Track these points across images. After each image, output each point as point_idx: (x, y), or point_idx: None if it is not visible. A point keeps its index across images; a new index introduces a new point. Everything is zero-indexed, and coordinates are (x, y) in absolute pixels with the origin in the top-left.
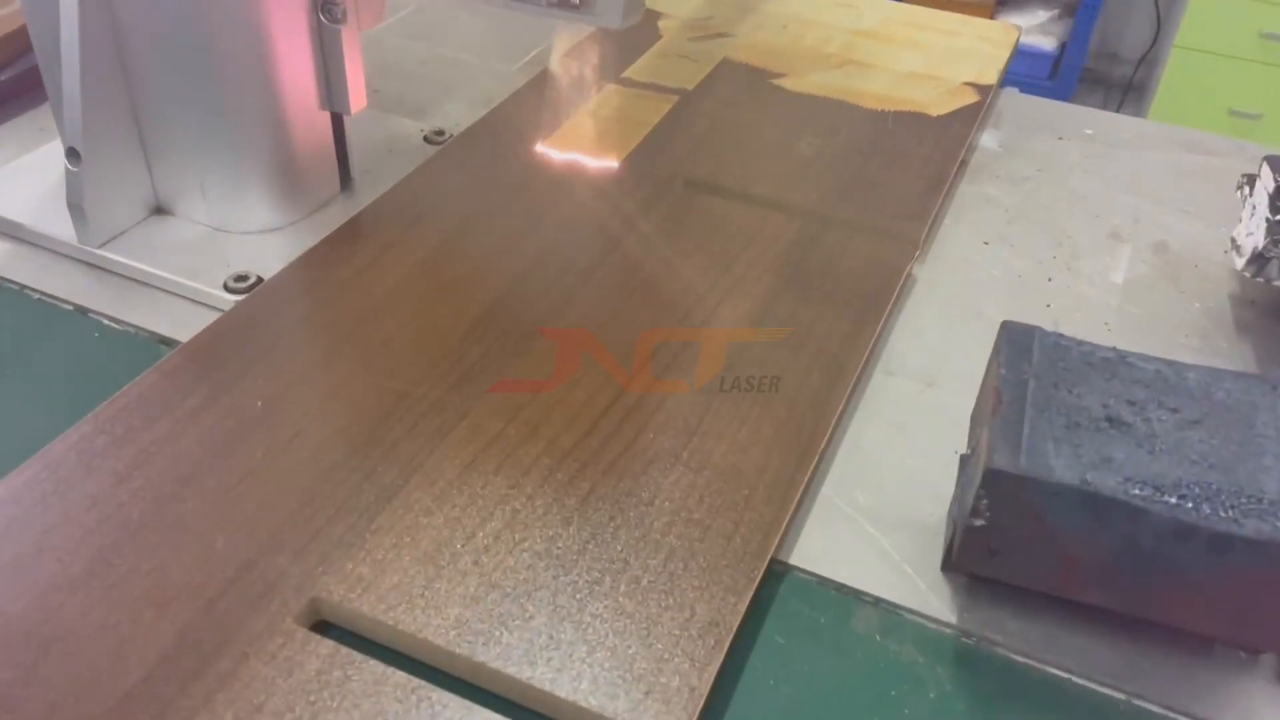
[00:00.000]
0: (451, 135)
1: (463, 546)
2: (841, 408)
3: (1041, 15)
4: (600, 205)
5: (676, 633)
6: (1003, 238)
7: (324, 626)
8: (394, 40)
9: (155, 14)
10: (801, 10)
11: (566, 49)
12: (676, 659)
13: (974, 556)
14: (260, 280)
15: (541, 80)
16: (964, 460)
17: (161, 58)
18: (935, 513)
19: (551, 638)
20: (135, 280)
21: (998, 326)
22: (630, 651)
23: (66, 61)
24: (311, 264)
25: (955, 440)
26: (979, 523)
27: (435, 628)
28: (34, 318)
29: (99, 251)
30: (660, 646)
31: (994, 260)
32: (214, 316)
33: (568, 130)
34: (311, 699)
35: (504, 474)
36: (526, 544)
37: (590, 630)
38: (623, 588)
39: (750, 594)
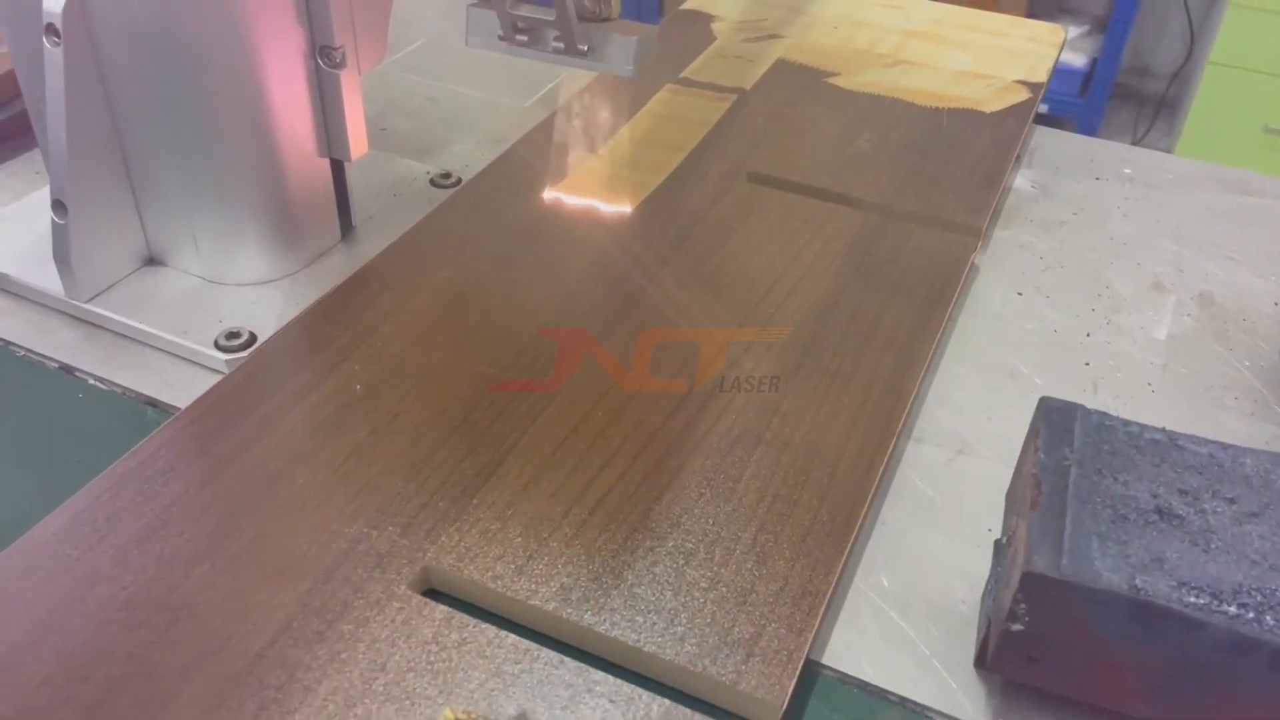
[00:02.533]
0: (458, 177)
1: (562, 519)
2: (915, 392)
3: (1071, 31)
4: (662, 203)
5: (771, 600)
6: (1037, 288)
7: (434, 595)
8: (402, 76)
9: (145, 61)
10: (850, 11)
11: (581, 85)
12: (773, 624)
13: (1011, 662)
14: (253, 337)
15: (555, 119)
16: (999, 547)
17: (152, 105)
18: (968, 599)
19: (653, 604)
20: (124, 336)
21: (1033, 386)
22: (729, 618)
23: (52, 111)
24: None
25: (988, 516)
26: (1016, 627)
27: (542, 594)
28: (17, 376)
29: (87, 306)
30: (757, 613)
31: (1029, 313)
32: (205, 375)
33: (613, 146)
34: (430, 659)
35: (595, 452)
36: (622, 517)
37: (689, 597)
38: (717, 557)
39: (840, 565)
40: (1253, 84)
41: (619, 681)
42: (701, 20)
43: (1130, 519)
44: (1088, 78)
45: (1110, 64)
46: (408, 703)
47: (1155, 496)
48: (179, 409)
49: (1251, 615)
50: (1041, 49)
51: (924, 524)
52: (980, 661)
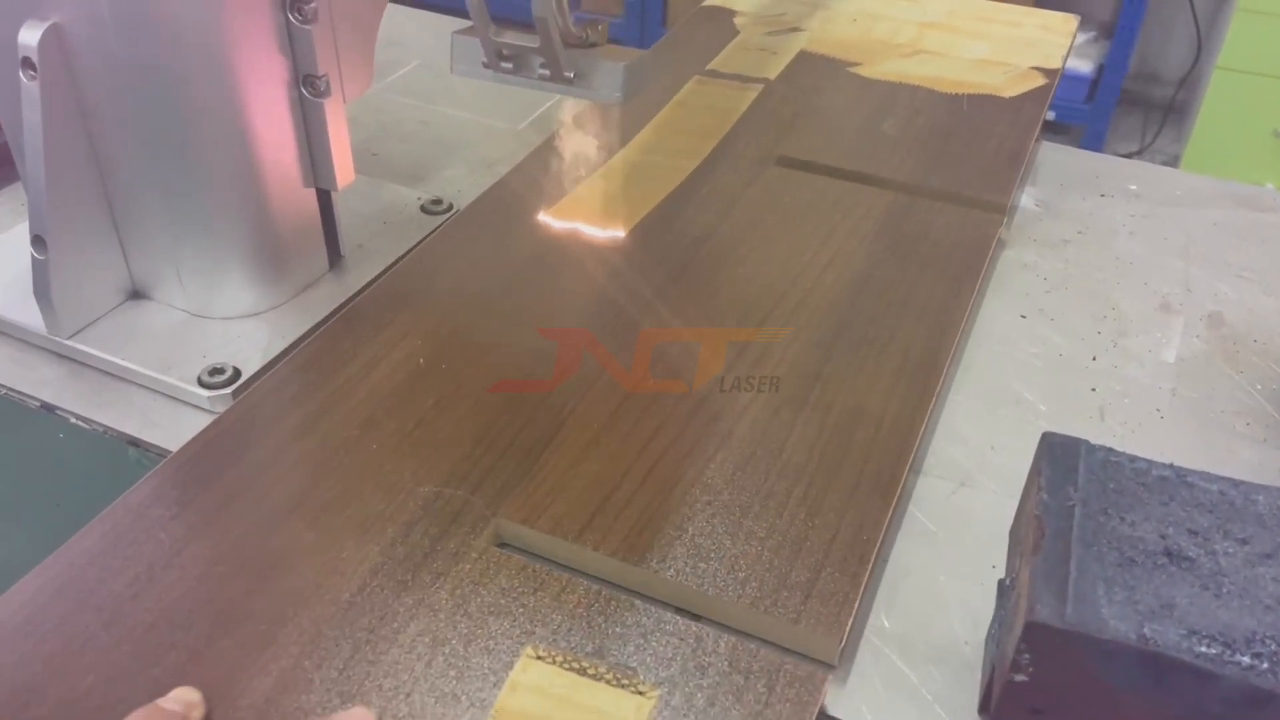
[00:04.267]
0: (450, 203)
1: (622, 477)
2: (950, 358)
3: (1078, 38)
4: (697, 187)
5: (825, 548)
6: (1042, 310)
7: (505, 549)
8: (394, 99)
9: (125, 94)
10: (868, 5)
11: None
12: (828, 569)
13: (1015, 713)
14: (237, 373)
15: (550, 146)
16: (1003, 588)
17: (133, 138)
18: (971, 639)
19: (714, 553)
20: (107, 373)
21: (1038, 414)
22: (786, 564)
23: (30, 146)
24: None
25: (992, 551)
26: (1020, 678)
27: (609, 545)
28: None
29: (68, 342)
30: (812, 560)
31: (1033, 337)
32: (189, 413)
33: (645, 135)
34: (508, 604)
35: (648, 418)
36: (679, 474)
37: (748, 546)
38: (772, 510)
39: (888, 516)
40: (1261, 89)
41: (688, 621)
42: (724, 15)
43: (1138, 562)
44: (1094, 84)
45: (1117, 70)
46: (491, 642)
47: (1164, 537)
48: (163, 449)
49: (1266, 666)
50: (1055, 37)
51: (925, 560)
52: (984, 708)
